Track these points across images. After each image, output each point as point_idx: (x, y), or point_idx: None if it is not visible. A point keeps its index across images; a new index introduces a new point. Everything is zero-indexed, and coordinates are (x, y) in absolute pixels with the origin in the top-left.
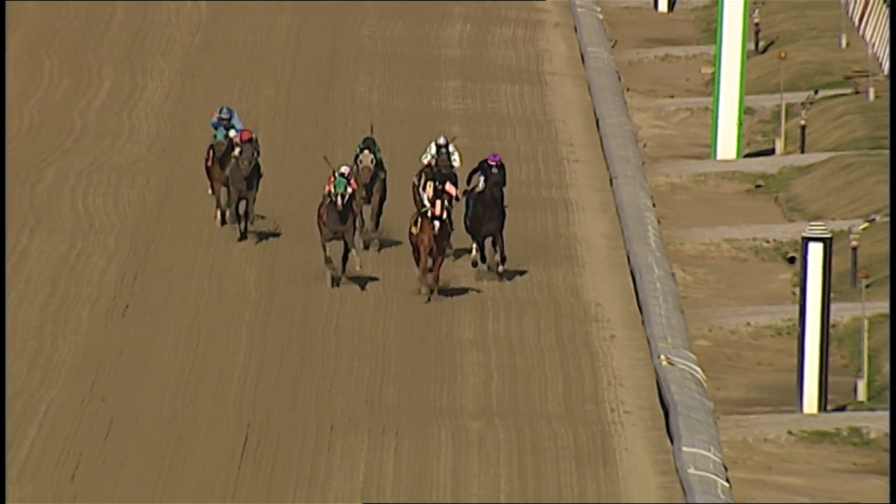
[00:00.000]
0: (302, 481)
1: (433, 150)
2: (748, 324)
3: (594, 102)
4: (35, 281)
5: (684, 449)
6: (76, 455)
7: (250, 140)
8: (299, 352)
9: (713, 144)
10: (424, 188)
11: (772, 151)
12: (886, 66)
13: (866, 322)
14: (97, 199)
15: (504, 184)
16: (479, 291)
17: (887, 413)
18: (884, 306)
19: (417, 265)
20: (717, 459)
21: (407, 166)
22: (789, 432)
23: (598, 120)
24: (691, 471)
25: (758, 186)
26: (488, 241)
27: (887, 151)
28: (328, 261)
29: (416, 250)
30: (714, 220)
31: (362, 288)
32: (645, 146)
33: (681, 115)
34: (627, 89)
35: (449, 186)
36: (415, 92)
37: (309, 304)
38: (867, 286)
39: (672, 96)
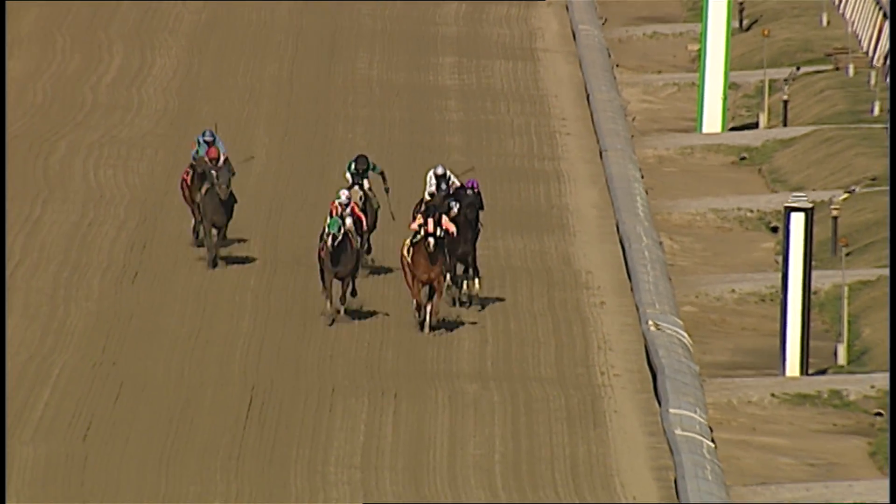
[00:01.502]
0: (304, 442)
1: (432, 180)
2: (733, 290)
3: (585, 78)
4: (48, 249)
5: (671, 410)
6: (88, 416)
7: (226, 160)
8: (302, 317)
9: (699, 118)
10: (415, 218)
11: (755, 125)
12: (865, 44)
13: (846, 289)
14: (108, 170)
15: (481, 207)
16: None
17: (867, 376)
18: (863, 274)
19: (410, 291)
20: (702, 421)
21: (405, 140)
22: (772, 395)
23: (589, 95)
24: (678, 431)
25: (742, 159)
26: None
27: (866, 125)
28: (330, 307)
29: (406, 275)
30: (700, 191)
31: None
32: (633, 120)
33: (668, 91)
34: (617, 65)
35: (445, 221)
36: (412, 68)
37: (311, 272)
38: (847, 254)
39: (660, 72)
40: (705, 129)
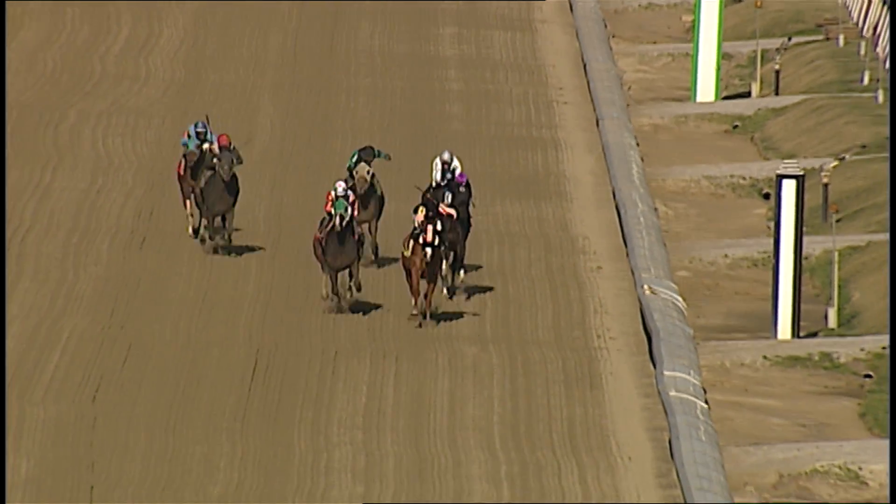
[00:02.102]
0: (308, 403)
1: (438, 166)
2: (726, 256)
3: (582, 48)
4: (58, 215)
5: (666, 373)
6: (97, 378)
7: (229, 147)
8: (305, 282)
9: (693, 88)
10: (416, 212)
11: (748, 94)
12: (855, 14)
13: (837, 254)
14: (116, 138)
15: (470, 202)
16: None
17: (856, 339)
18: (853, 239)
19: (410, 289)
20: (696, 382)
21: (406, 109)
22: (764, 357)
23: (586, 65)
24: (672, 393)
25: (735, 127)
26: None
27: (856, 94)
28: (331, 297)
29: (408, 274)
30: (694, 158)
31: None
32: (629, 89)
33: (663, 61)
34: (613, 36)
35: (445, 209)
36: (414, 38)
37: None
38: (837, 220)
39: (655, 42)
40: (699, 99)
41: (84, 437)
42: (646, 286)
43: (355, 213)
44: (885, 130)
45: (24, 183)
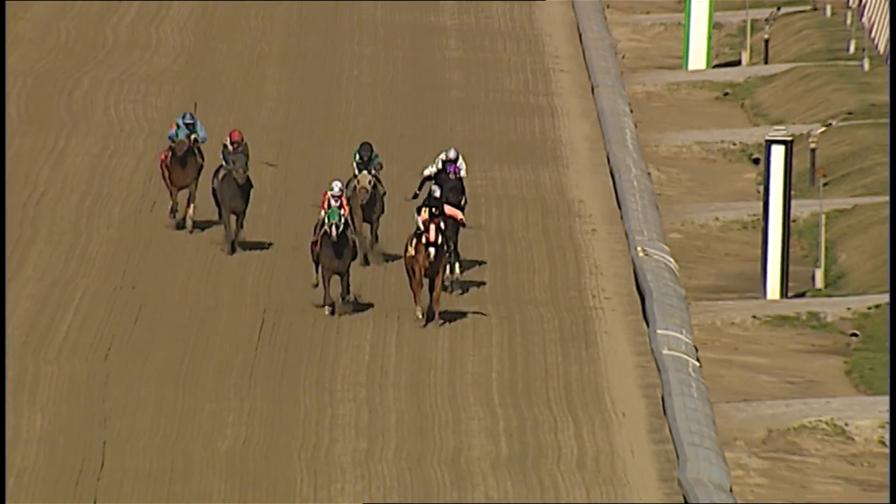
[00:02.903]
0: (313, 361)
1: (439, 164)
2: (717, 218)
3: (577, 18)
4: (71, 179)
5: (659, 332)
6: (109, 338)
7: (241, 141)
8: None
9: (685, 56)
10: (420, 213)
11: (738, 62)
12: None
13: (824, 217)
14: (127, 105)
15: (463, 191)
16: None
17: (843, 299)
18: (839, 202)
19: (412, 289)
20: (688, 341)
21: (407, 77)
22: (754, 316)
23: (581, 34)
24: (665, 351)
25: (725, 94)
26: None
27: (842, 62)
28: (326, 297)
29: (411, 274)
30: (686, 124)
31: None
32: (623, 58)
33: (656, 30)
34: (608, 6)
35: (451, 210)
36: (415, 9)
37: (319, 200)
38: (825, 184)
39: (648, 12)
40: (691, 67)
41: (97, 394)
42: (639, 248)
43: (357, 224)
44: (871, 97)
45: (38, 148)
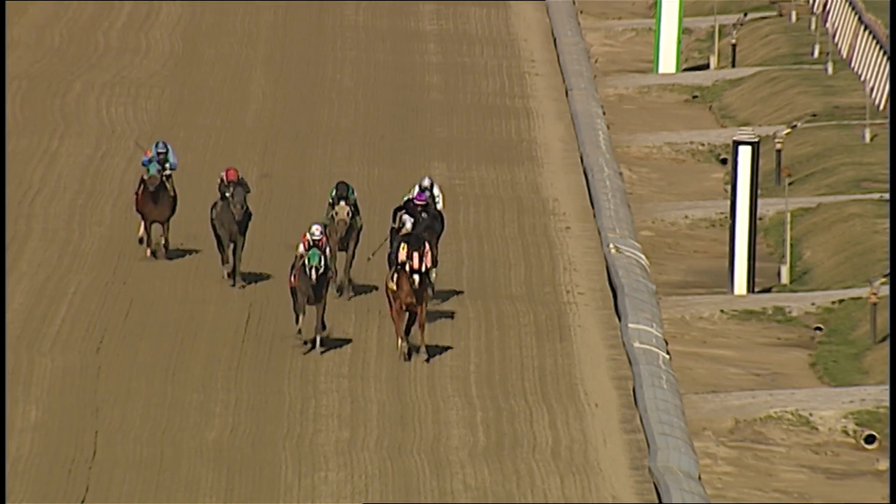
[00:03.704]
0: (297, 353)
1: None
2: (686, 217)
3: (552, 24)
4: (65, 179)
5: (630, 325)
6: (100, 331)
7: (239, 181)
8: (294, 241)
9: (655, 60)
10: (397, 252)
11: (706, 66)
12: None
13: (789, 215)
14: (119, 107)
15: (441, 219)
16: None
17: (807, 294)
18: (804, 201)
19: (394, 326)
20: (658, 335)
21: (388, 80)
22: (722, 311)
23: (556, 39)
24: (636, 344)
25: (694, 97)
26: None
27: (807, 66)
28: (301, 331)
29: (391, 306)
30: (656, 126)
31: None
32: (596, 62)
33: (627, 35)
34: (581, 12)
35: (426, 250)
36: (395, 14)
37: (302, 203)
38: (790, 184)
39: (620, 18)
40: (661, 70)
41: (89, 385)
42: (611, 245)
43: (334, 253)
44: (835, 100)
45: (33, 149)
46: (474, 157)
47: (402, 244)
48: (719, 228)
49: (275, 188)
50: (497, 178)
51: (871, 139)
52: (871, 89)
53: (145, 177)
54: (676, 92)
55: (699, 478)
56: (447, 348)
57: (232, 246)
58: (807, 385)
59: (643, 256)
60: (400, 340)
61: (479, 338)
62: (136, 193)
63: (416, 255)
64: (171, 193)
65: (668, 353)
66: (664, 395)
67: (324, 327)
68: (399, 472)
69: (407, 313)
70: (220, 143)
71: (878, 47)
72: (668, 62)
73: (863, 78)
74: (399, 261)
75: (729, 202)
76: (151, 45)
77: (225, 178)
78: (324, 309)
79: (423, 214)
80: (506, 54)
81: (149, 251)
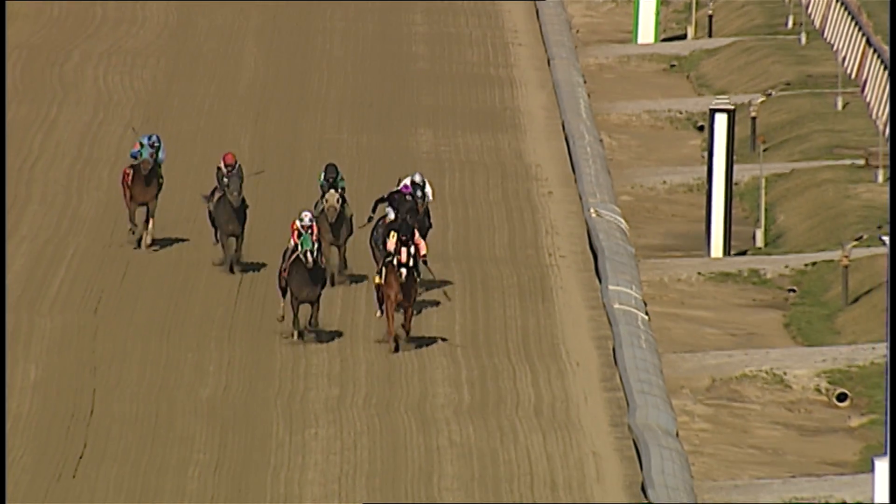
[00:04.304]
0: (288, 314)
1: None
2: (664, 182)
3: None
4: (63, 145)
5: (610, 287)
6: (98, 292)
7: (235, 164)
8: (286, 206)
9: (635, 31)
10: (384, 241)
11: (684, 36)
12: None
13: (764, 180)
14: (115, 76)
15: (427, 214)
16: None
17: (781, 257)
18: (778, 167)
19: (382, 315)
20: (637, 296)
21: (376, 50)
22: (699, 273)
23: (538, 10)
24: (616, 305)
25: (672, 66)
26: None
27: (781, 36)
28: (294, 323)
29: (381, 302)
30: (635, 94)
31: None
32: (577, 32)
33: (608, 6)
34: None
35: (417, 239)
36: None
37: (295, 172)
38: (765, 150)
39: None
40: (640, 41)
41: (87, 345)
42: (592, 209)
43: (325, 247)
44: (808, 69)
45: (32, 117)
46: (459, 124)
47: (391, 232)
48: (696, 193)
49: (267, 153)
50: (481, 144)
51: (843, 107)
52: (843, 59)
53: (135, 163)
54: (655, 61)
55: (677, 434)
56: (433, 307)
57: (233, 240)
58: (781, 345)
59: (623, 220)
60: (391, 337)
61: (464, 299)
62: (125, 179)
63: (403, 249)
64: (161, 181)
65: (646, 313)
66: (643, 354)
67: (316, 324)
68: (387, 428)
69: (398, 307)
70: (213, 111)
71: (849, 18)
72: (646, 32)
73: (835, 48)
74: (387, 251)
75: (706, 168)
76: (147, 16)
77: (223, 163)
78: (318, 300)
79: (407, 198)
80: (490, 25)
81: (137, 239)
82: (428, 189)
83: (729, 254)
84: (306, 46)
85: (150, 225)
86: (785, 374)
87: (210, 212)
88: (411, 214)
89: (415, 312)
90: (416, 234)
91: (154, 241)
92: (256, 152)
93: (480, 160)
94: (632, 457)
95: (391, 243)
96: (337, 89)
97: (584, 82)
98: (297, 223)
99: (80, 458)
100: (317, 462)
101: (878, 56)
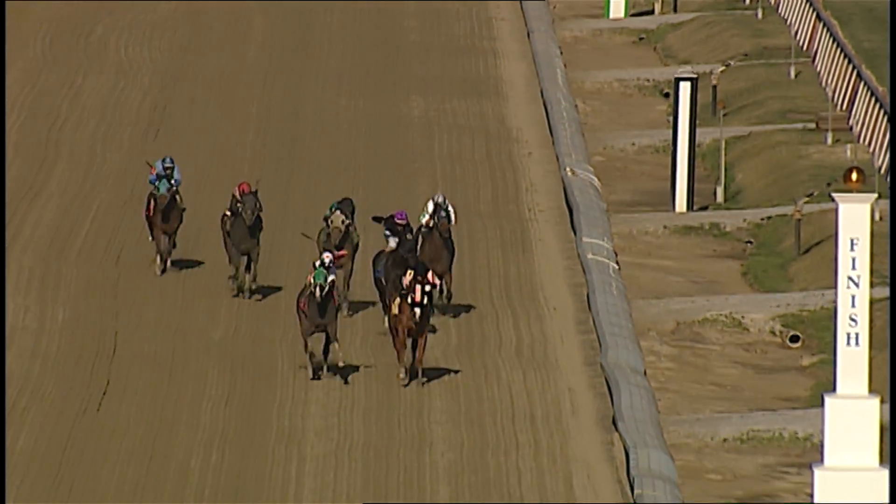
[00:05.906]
0: (292, 264)
1: (430, 208)
2: (633, 144)
3: None
4: (88, 111)
5: (584, 239)
6: (120, 243)
7: (252, 192)
8: (290, 166)
9: (607, 7)
10: (386, 272)
11: (652, 12)
12: None
13: (724, 142)
14: (135, 47)
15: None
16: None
17: (739, 212)
18: (736, 130)
19: (395, 348)
20: (609, 247)
21: (371, 22)
22: (664, 227)
23: None
24: (590, 256)
25: (641, 39)
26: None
27: (740, 12)
28: (310, 354)
29: (395, 333)
30: (607, 64)
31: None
32: (554, 8)
33: None
34: None
35: (430, 275)
36: None
37: (297, 127)
38: (724, 115)
39: None
40: (612, 16)
41: (109, 292)
42: (568, 168)
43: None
44: (764, 41)
45: (60, 84)
46: (447, 91)
47: (409, 270)
48: (662, 154)
49: (272, 120)
50: (467, 109)
51: (796, 76)
52: (795, 32)
53: (156, 194)
54: (625, 34)
55: (644, 373)
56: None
57: (245, 259)
58: (739, 291)
59: (596, 179)
60: (402, 366)
61: None
62: (147, 210)
63: (418, 287)
64: (182, 207)
65: (617, 263)
66: (614, 300)
67: (329, 353)
68: (381, 366)
69: (409, 339)
70: (224, 80)
71: None
72: (617, 8)
73: (788, 22)
74: (403, 286)
75: (671, 131)
76: None
77: (238, 192)
78: (335, 332)
79: (408, 235)
80: (475, 1)
81: (159, 264)
82: (451, 209)
83: (692, 209)
84: (309, 20)
85: (170, 250)
86: (743, 318)
87: (225, 234)
88: (412, 255)
89: (427, 377)
90: (429, 273)
91: (173, 263)
92: (263, 117)
93: (466, 124)
94: (604, 393)
95: (406, 280)
96: (336, 59)
97: (561, 53)
98: (317, 263)
99: (104, 393)
100: (318, 398)
101: (828, 29)
